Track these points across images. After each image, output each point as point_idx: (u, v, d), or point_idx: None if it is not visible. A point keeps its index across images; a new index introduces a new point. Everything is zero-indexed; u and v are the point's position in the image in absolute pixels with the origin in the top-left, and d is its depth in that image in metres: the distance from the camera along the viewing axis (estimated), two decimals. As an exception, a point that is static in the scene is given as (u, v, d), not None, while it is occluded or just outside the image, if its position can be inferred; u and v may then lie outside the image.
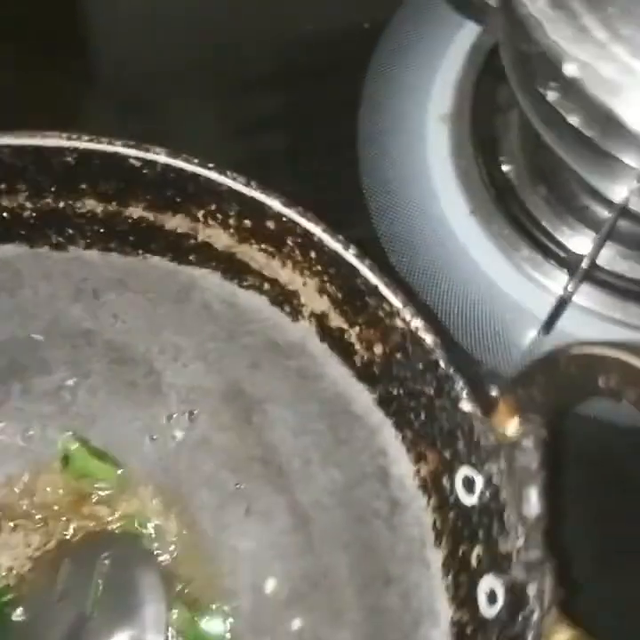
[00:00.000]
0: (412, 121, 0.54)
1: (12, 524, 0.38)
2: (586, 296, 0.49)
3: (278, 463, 0.39)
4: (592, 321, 0.49)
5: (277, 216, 0.35)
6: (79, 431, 0.40)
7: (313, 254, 0.35)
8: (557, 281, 0.49)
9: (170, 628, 0.36)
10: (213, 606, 0.38)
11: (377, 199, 0.53)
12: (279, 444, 0.39)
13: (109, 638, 0.35)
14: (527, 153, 0.53)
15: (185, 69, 0.56)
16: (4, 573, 0.38)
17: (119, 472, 0.40)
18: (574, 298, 0.48)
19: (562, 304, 0.48)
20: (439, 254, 0.52)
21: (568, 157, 0.41)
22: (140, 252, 0.37)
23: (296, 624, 0.37)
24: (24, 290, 0.38)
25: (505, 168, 0.54)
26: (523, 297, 0.50)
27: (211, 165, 0.34)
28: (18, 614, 0.37)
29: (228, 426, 0.40)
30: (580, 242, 0.50)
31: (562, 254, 0.50)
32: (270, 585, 0.38)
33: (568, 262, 0.49)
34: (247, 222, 0.35)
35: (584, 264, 0.47)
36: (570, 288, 0.47)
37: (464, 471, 0.32)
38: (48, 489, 0.40)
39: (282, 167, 0.55)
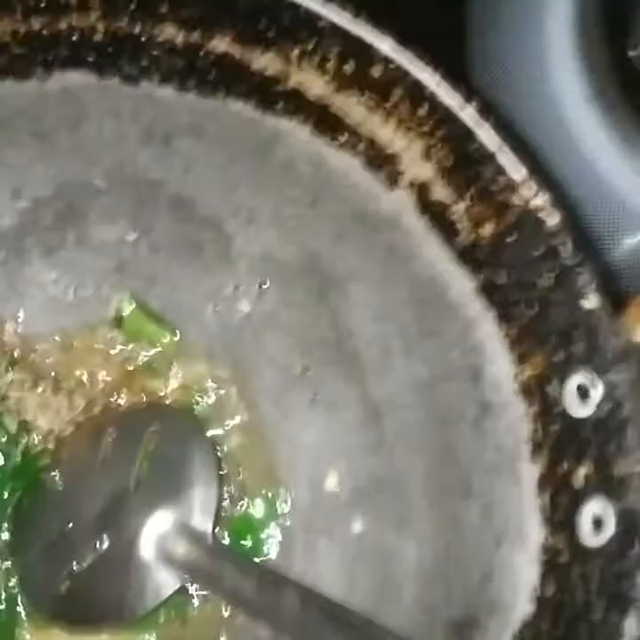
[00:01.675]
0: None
1: (54, 384, 0.35)
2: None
3: (353, 350, 0.35)
4: None
5: (385, 61, 0.29)
6: (136, 292, 0.37)
7: (423, 110, 0.30)
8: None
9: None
10: (268, 494, 0.35)
11: (484, 70, 0.47)
12: (357, 329, 0.35)
13: (152, 516, 0.32)
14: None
15: None
16: (42, 436, 0.35)
17: (176, 339, 0.36)
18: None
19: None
20: (545, 142, 0.46)
21: None
22: (221, 94, 0.32)
23: (357, 527, 0.34)
24: (88, 127, 0.34)
25: (632, 53, 0.47)
26: (636, 198, 0.44)
27: (312, -8, 0.29)
28: (55, 480, 0.34)
29: (301, 303, 0.36)
30: None
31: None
32: (331, 481, 0.35)
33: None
34: (348, 67, 0.30)
35: None
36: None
37: (579, 378, 0.27)
38: (97, 352, 0.36)
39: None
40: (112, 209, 0.36)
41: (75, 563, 0.32)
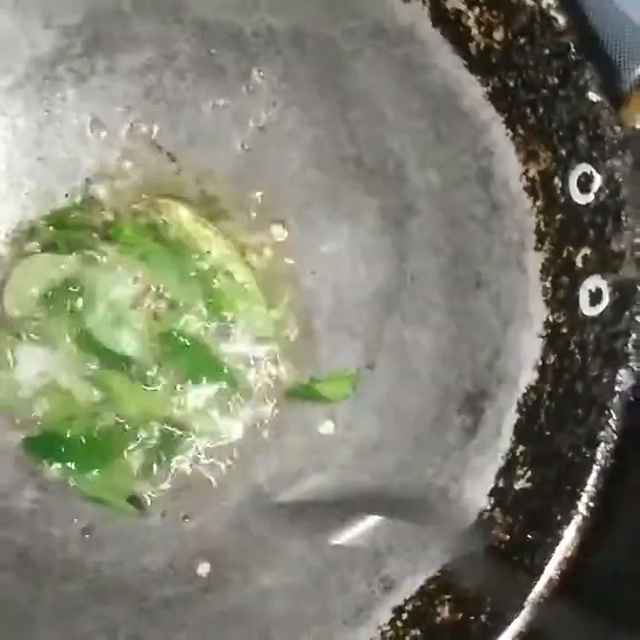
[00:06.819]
0: None
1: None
2: None
3: (371, 164, 0.37)
4: None
5: None
6: (164, 118, 0.39)
7: None
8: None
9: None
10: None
11: None
12: (374, 143, 0.37)
13: None
14: None
15: None
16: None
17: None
18: None
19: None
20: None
21: None
22: None
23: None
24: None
25: None
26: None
27: None
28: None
29: (321, 120, 0.37)
30: None
31: None
32: (351, 287, 0.38)
33: None
34: None
35: None
36: None
37: (582, 168, 0.29)
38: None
39: None
40: (138, 35, 0.37)
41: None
